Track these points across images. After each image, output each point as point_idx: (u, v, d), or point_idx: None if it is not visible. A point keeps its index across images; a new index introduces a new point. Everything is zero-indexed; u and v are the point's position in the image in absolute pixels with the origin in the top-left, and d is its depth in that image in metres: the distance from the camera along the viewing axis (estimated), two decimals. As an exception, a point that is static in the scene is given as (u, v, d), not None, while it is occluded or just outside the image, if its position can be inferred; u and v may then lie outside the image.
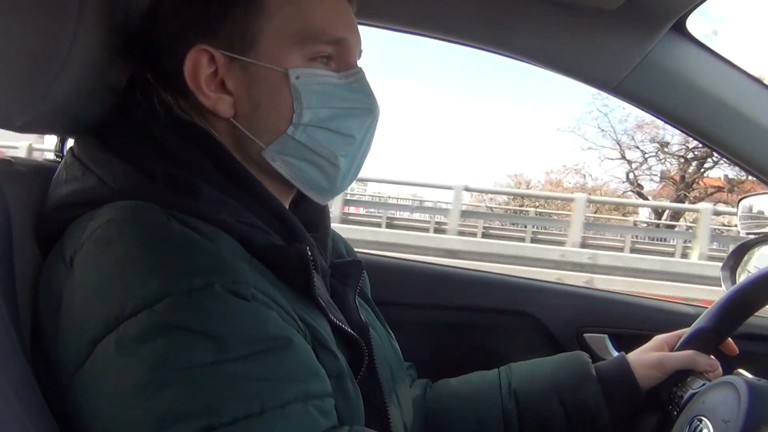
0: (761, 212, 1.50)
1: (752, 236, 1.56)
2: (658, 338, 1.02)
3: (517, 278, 1.45)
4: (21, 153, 7.24)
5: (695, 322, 1.00)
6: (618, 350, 1.27)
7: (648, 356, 0.97)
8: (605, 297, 1.42)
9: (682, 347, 0.98)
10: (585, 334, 1.30)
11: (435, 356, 1.21)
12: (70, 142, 0.81)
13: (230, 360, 0.59)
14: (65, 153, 0.79)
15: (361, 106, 0.79)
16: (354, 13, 0.81)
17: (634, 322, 1.29)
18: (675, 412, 0.91)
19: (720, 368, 0.96)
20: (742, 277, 1.47)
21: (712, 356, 0.96)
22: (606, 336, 1.30)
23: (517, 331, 1.35)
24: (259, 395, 0.58)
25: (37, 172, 0.80)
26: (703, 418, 0.82)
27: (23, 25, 0.70)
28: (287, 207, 0.81)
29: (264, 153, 0.76)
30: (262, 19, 0.73)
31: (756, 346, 1.23)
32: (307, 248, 0.71)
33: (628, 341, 1.04)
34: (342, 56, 0.78)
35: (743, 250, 1.55)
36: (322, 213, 0.90)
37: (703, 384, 0.90)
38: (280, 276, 0.70)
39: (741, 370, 0.88)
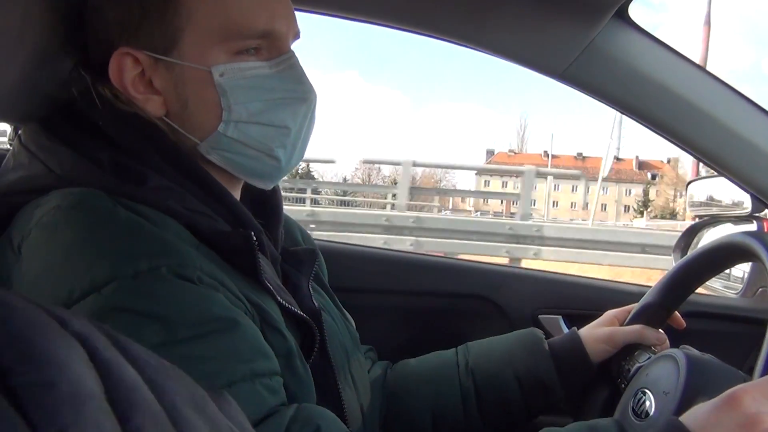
0: (710, 196, 1.55)
1: (700, 219, 1.62)
2: (609, 313, 1.05)
3: (474, 263, 1.48)
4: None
5: (643, 297, 1.03)
6: (571, 330, 1.30)
7: (599, 331, 1.01)
8: (559, 279, 1.45)
9: (631, 321, 1.02)
10: (540, 316, 1.33)
11: (395, 340, 1.23)
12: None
13: (177, 341, 0.60)
14: (14, 141, 0.79)
15: (292, 96, 0.78)
16: None
17: (587, 303, 1.32)
18: (623, 385, 0.95)
19: (667, 342, 1.00)
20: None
21: (660, 330, 1.00)
22: (560, 317, 1.33)
23: (474, 314, 1.37)
24: (207, 376, 0.59)
25: None
26: (646, 390, 0.85)
27: None
28: (237, 194, 0.82)
29: (199, 148, 0.76)
30: (181, 18, 0.72)
31: (701, 324, 1.27)
32: (252, 233, 0.72)
33: (581, 321, 1.06)
34: (272, 45, 0.77)
35: (693, 231, 1.61)
36: (274, 199, 0.90)
37: (649, 357, 0.94)
38: (227, 260, 0.71)
39: (687, 346, 0.91)
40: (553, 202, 41.52)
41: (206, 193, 0.75)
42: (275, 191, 0.90)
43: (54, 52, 0.78)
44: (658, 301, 1.01)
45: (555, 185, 43.33)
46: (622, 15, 1.08)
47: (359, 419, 0.88)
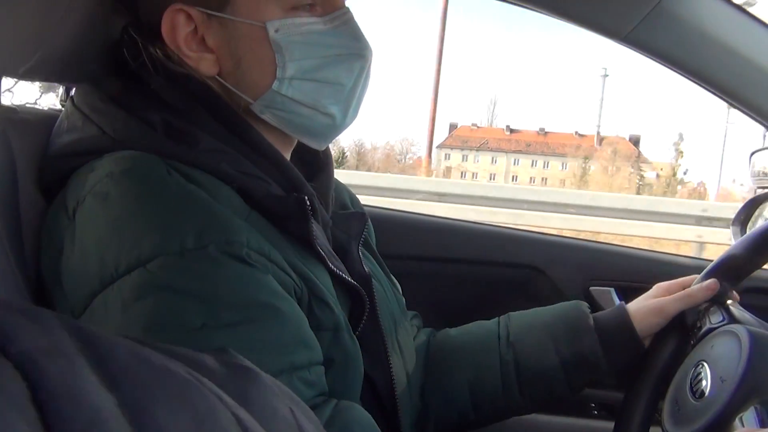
0: (775, 167, 1.48)
1: (762, 191, 1.55)
2: (659, 285, 1.00)
3: (524, 231, 1.45)
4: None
5: (726, 251, 0.97)
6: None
7: (648, 303, 0.96)
8: (611, 250, 1.41)
9: (710, 274, 0.95)
10: (591, 288, 1.30)
11: (441, 308, 1.22)
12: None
13: (218, 326, 0.59)
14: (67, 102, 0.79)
15: (348, 52, 0.76)
16: None
17: (641, 275, 1.28)
18: (691, 341, 0.90)
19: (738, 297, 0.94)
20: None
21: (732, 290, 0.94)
22: (612, 289, 1.30)
23: (523, 284, 1.35)
24: None
25: (41, 121, 0.80)
26: (705, 365, 0.82)
27: None
28: (288, 157, 0.81)
29: (252, 107, 0.75)
30: None
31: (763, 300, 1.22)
32: (306, 198, 0.71)
33: (634, 294, 1.02)
34: (326, 1, 0.75)
35: (754, 204, 1.54)
36: (325, 163, 0.89)
37: (723, 320, 0.88)
38: (279, 227, 0.70)
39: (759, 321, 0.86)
40: (513, 176, 41.59)
41: (259, 155, 0.74)
42: (326, 154, 0.89)
43: (105, 12, 0.78)
44: (744, 254, 0.94)
45: (515, 160, 43.54)
46: (693, -26, 1.03)
47: (405, 386, 0.88)
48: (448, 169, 39.11)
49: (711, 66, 1.07)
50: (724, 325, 0.86)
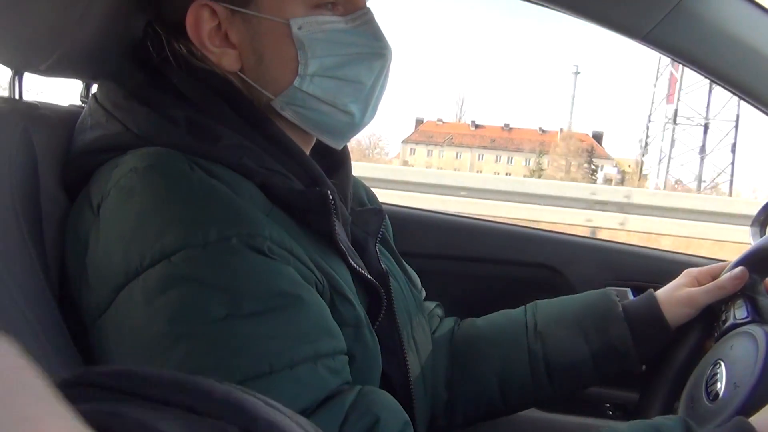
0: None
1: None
2: (689, 272, 0.99)
3: (541, 231, 1.44)
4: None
5: (756, 242, 0.96)
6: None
7: (678, 293, 0.95)
8: (629, 251, 1.40)
9: (739, 263, 0.94)
10: (608, 288, 1.29)
11: (459, 306, 1.22)
12: (95, 88, 0.81)
13: (242, 316, 0.60)
14: (89, 98, 0.80)
15: (369, 51, 0.77)
16: None
17: (658, 275, 1.27)
18: (715, 333, 0.90)
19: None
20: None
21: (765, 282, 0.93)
22: (629, 290, 1.29)
23: (541, 284, 1.35)
24: (269, 355, 0.59)
25: (62, 117, 0.81)
26: (722, 365, 0.81)
27: None
28: (308, 152, 0.81)
29: (273, 103, 0.76)
30: None
31: None
32: (329, 192, 0.72)
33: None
34: (348, 0, 0.76)
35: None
36: (343, 160, 0.89)
37: (747, 316, 0.87)
38: (300, 222, 0.71)
39: None
40: (478, 171, 41.86)
41: (280, 151, 0.74)
42: (344, 151, 0.90)
43: (126, 8, 0.78)
44: None
45: (479, 155, 43.78)
46: (715, -27, 1.02)
47: (421, 384, 0.88)
48: (405, 164, 39.41)
49: (732, 65, 1.06)
50: (747, 323, 0.85)
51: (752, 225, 1.54)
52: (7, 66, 0.79)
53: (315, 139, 0.82)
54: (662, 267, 1.33)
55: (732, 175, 31.41)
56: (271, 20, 0.72)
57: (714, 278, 0.96)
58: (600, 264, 1.34)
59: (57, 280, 0.70)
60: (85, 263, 0.65)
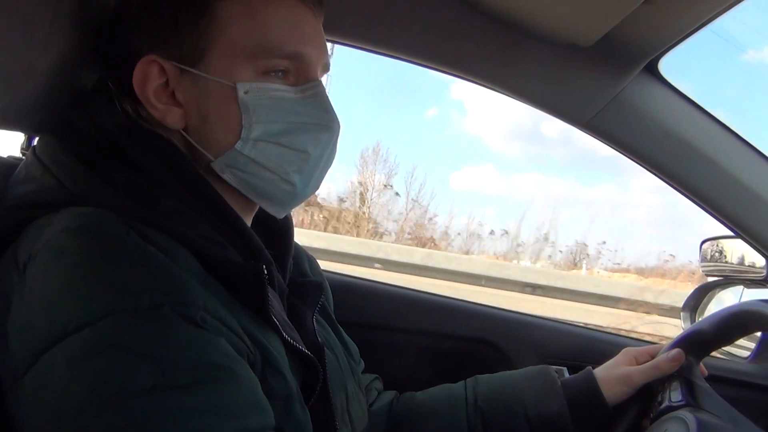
0: (723, 256, 1.52)
1: (713, 279, 1.59)
2: (629, 351, 1.01)
3: (482, 306, 1.45)
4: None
5: (692, 326, 0.98)
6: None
7: (616, 372, 0.97)
8: (568, 330, 1.42)
9: (675, 345, 0.96)
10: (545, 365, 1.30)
11: (400, 377, 1.20)
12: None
13: (170, 387, 0.57)
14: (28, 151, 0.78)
15: (316, 122, 0.77)
16: (321, 24, 0.80)
17: (596, 355, 1.28)
18: (651, 414, 0.91)
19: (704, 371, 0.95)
20: (700, 318, 1.49)
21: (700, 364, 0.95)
22: (565, 369, 1.30)
23: (480, 358, 1.35)
24: (196, 430, 0.56)
25: None
26: None
27: None
28: (249, 221, 0.80)
29: (213, 165, 0.75)
30: (214, 31, 0.72)
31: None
32: (264, 267, 0.70)
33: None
34: (300, 70, 0.76)
35: (704, 291, 1.58)
36: (286, 228, 0.89)
37: (681, 400, 0.88)
38: (234, 293, 0.69)
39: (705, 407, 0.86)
40: None
41: (219, 219, 0.73)
42: (287, 220, 0.89)
43: (80, 62, 0.77)
44: (710, 330, 0.94)
45: None
46: (652, 69, 1.08)
47: None
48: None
49: (667, 158, 1.12)
50: (681, 406, 0.87)
51: (683, 310, 1.59)
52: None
53: (257, 206, 0.81)
54: (600, 347, 1.35)
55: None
56: (218, 82, 0.72)
57: (653, 358, 0.98)
58: (538, 341, 1.35)
59: None
60: (5, 324, 0.62)
